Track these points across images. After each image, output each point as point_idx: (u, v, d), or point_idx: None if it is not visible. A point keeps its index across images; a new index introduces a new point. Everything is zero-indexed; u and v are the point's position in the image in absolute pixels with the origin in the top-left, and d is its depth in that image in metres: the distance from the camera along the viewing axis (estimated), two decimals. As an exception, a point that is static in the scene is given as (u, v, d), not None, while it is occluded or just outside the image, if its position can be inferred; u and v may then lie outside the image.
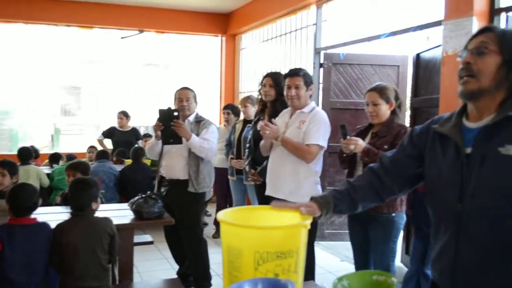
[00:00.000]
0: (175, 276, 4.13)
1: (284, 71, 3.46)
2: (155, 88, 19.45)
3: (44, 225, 2.80)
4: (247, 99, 5.12)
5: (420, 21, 4.12)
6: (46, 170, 6.00)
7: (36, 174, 5.57)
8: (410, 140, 1.71)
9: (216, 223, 5.79)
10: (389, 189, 1.72)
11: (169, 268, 4.65)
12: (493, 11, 3.40)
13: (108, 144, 7.36)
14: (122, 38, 7.98)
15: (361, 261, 3.20)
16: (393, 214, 2.97)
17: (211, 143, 3.75)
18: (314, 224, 3.29)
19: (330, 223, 5.63)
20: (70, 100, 21.72)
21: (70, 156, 6.33)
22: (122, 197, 5.67)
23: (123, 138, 7.17)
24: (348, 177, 3.16)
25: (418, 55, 4.35)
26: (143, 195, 3.48)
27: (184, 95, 3.87)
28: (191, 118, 3.89)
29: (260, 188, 3.69)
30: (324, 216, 1.63)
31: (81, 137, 17.43)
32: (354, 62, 5.43)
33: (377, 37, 4.67)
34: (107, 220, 2.90)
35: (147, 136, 7.05)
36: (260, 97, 3.97)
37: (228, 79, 8.19)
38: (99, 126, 16.64)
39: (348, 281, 1.48)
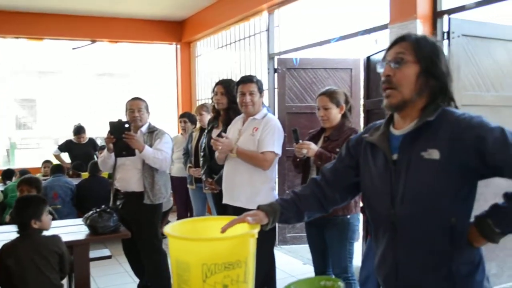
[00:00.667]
0: (136, 289, 4.07)
1: (240, 77, 3.47)
2: (111, 98, 19.14)
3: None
4: (202, 107, 5.11)
5: (368, 25, 4.22)
6: (-1, 187, 5.80)
7: (-13, 192, 5.39)
8: (347, 150, 1.76)
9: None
10: (331, 200, 1.75)
11: (130, 282, 4.56)
12: (436, 14, 3.52)
13: (67, 158, 7.19)
14: (73, 49, 7.82)
15: (320, 264, 3.23)
16: (348, 216, 3.01)
17: (165, 153, 3.71)
18: (272, 230, 3.33)
19: (291, 226, 5.66)
20: (25, 113, 21.12)
21: (24, 172, 6.13)
22: (80, 212, 5.53)
23: (81, 151, 7.01)
24: (302, 181, 3.19)
25: (368, 58, 4.44)
26: (98, 210, 3.41)
27: (135, 106, 3.82)
28: (144, 129, 3.84)
29: (218, 196, 3.68)
30: (271, 224, 1.63)
31: (39, 151, 16.94)
32: (308, 67, 5.49)
33: (328, 41, 4.75)
34: (54, 239, 2.82)
35: (104, 148, 6.91)
36: (213, 105, 3.96)
37: (184, 87, 8.15)
38: (58, 139, 16.21)
39: (296, 288, 1.48)
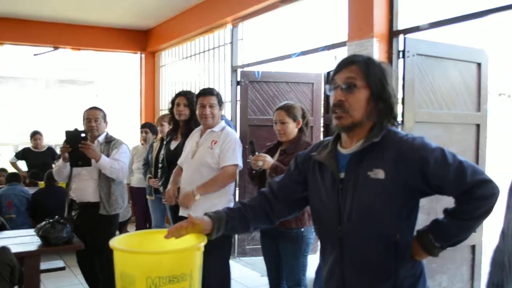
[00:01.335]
0: (90, 302, 3.98)
1: (201, 89, 3.50)
2: (73, 105, 18.76)
3: None
4: (164, 117, 5.09)
5: (327, 42, 4.32)
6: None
7: None
8: (295, 166, 1.78)
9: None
10: (278, 212, 1.77)
11: (84, 294, 4.47)
12: (392, 33, 3.62)
13: (24, 166, 7.02)
14: (35, 55, 7.67)
15: (274, 276, 3.26)
16: (302, 229, 3.05)
17: (122, 163, 3.68)
18: (227, 241, 3.33)
19: (251, 238, 5.67)
20: (-18, 119, 20.46)
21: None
22: (35, 222, 5.39)
23: (38, 160, 6.84)
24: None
25: (328, 73, 4.53)
26: (51, 220, 3.34)
27: (92, 115, 3.77)
28: (101, 138, 3.80)
29: (174, 208, 3.65)
30: (216, 233, 1.64)
31: (-2, 158, 16.44)
32: (270, 80, 5.54)
33: (289, 56, 4.82)
34: (5, 250, 2.75)
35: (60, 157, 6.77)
36: (170, 116, 3.95)
37: (148, 96, 8.09)
38: (17, 146, 15.76)
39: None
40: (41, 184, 5.93)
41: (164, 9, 6.62)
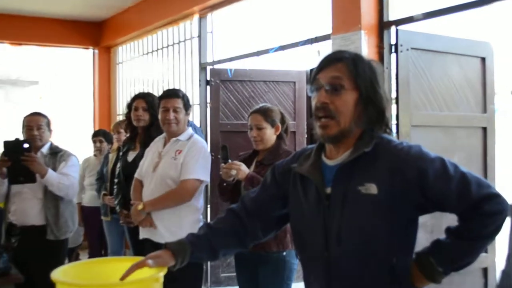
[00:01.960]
0: None
1: (164, 90, 3.51)
2: (12, 110, 18.48)
3: None
4: (121, 123, 5.05)
5: (309, 35, 4.35)
6: None
7: None
8: (272, 178, 1.79)
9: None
10: (252, 234, 1.78)
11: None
12: (382, 25, 3.67)
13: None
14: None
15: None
16: (284, 253, 3.04)
17: (72, 178, 3.65)
18: (198, 269, 3.32)
19: (226, 265, 5.65)
20: None
21: None
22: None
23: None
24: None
25: (311, 70, 4.57)
26: (-15, 248, 3.29)
27: (34, 122, 3.72)
28: (45, 149, 3.75)
29: (134, 231, 3.64)
30: (180, 265, 1.64)
31: None
32: (245, 79, 5.55)
33: (266, 51, 4.85)
34: None
35: None
36: (127, 122, 3.95)
37: (102, 99, 8.04)
38: None
39: None
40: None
41: (121, -3, 6.61)
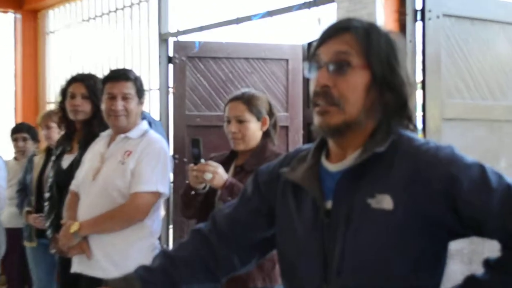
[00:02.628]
0: None
1: (109, 71, 3.48)
2: None
3: None
4: (51, 115, 5.00)
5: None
6: None
7: None
8: (255, 187, 1.79)
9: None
10: (226, 263, 1.78)
11: None
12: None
13: None
14: None
15: None
16: (272, 290, 3.04)
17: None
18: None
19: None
20: None
21: None
22: None
23: None
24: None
25: (309, 44, 4.56)
26: None
27: None
28: None
29: (65, 262, 3.62)
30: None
31: None
32: (221, 55, 5.53)
33: (248, 18, 4.83)
34: None
35: None
36: (61, 114, 3.92)
37: (27, 82, 8.05)
38: None
39: None
40: None
41: None
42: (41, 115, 5.35)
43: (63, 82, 4.12)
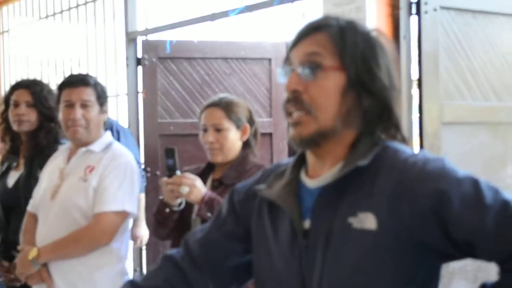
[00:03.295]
0: None
1: (77, 70, 3.47)
2: None
3: None
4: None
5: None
6: None
7: None
8: (230, 208, 1.80)
9: None
10: None
11: None
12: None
13: None
14: None
15: None
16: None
17: None
18: None
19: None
20: None
21: None
22: None
23: None
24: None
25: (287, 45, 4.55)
26: None
27: None
28: None
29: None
30: None
31: None
32: (196, 55, 5.53)
33: (225, 14, 4.83)
34: None
35: None
36: (3, 125, 3.91)
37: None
38: None
39: None
40: None
41: None
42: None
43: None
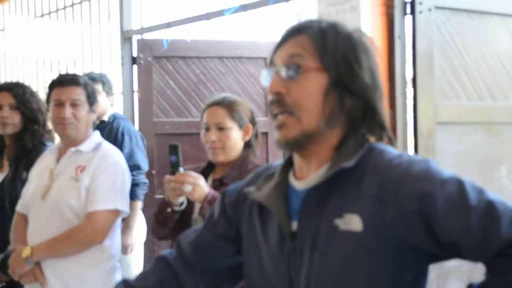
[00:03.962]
0: None
1: (72, 69, 3.46)
2: None
3: None
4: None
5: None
6: None
7: None
8: (222, 210, 1.80)
9: None
10: None
11: None
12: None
13: None
14: None
15: None
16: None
17: None
18: None
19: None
20: None
21: None
22: None
23: None
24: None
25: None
26: None
27: None
28: None
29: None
30: None
31: None
32: (191, 54, 5.53)
33: (220, 13, 4.84)
34: None
35: None
36: None
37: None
38: None
39: None
40: None
41: None
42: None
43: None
